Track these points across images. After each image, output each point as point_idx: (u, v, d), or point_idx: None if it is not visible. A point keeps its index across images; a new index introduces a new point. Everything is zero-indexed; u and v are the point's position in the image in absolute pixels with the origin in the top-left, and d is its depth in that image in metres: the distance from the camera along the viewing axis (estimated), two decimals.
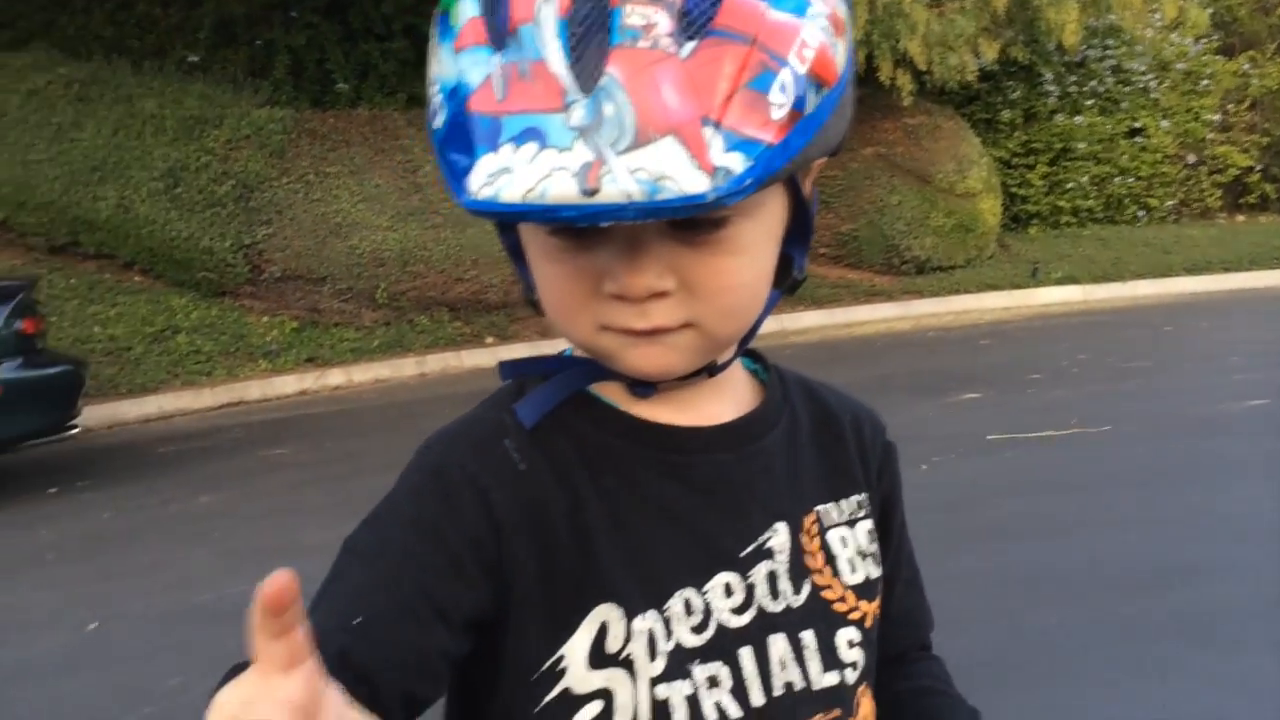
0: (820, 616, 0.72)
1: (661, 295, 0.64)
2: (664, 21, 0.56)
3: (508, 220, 0.63)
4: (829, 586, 0.73)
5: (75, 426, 5.87)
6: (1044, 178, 14.63)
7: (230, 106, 9.98)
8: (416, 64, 11.69)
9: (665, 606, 0.68)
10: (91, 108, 9.70)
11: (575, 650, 0.66)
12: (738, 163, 0.56)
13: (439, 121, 0.61)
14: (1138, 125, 14.79)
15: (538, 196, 0.56)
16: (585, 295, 0.65)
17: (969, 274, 12.67)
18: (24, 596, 3.82)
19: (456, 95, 0.59)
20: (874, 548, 0.77)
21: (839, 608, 0.73)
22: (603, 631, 0.67)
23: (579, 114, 0.56)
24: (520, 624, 0.67)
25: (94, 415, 7.34)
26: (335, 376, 9.16)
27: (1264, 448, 4.53)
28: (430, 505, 0.67)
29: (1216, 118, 15.14)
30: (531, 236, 0.67)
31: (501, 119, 0.57)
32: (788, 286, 0.73)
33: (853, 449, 0.79)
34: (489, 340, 10.10)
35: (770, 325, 0.82)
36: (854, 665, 0.73)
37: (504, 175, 0.57)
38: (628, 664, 0.67)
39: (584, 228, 0.61)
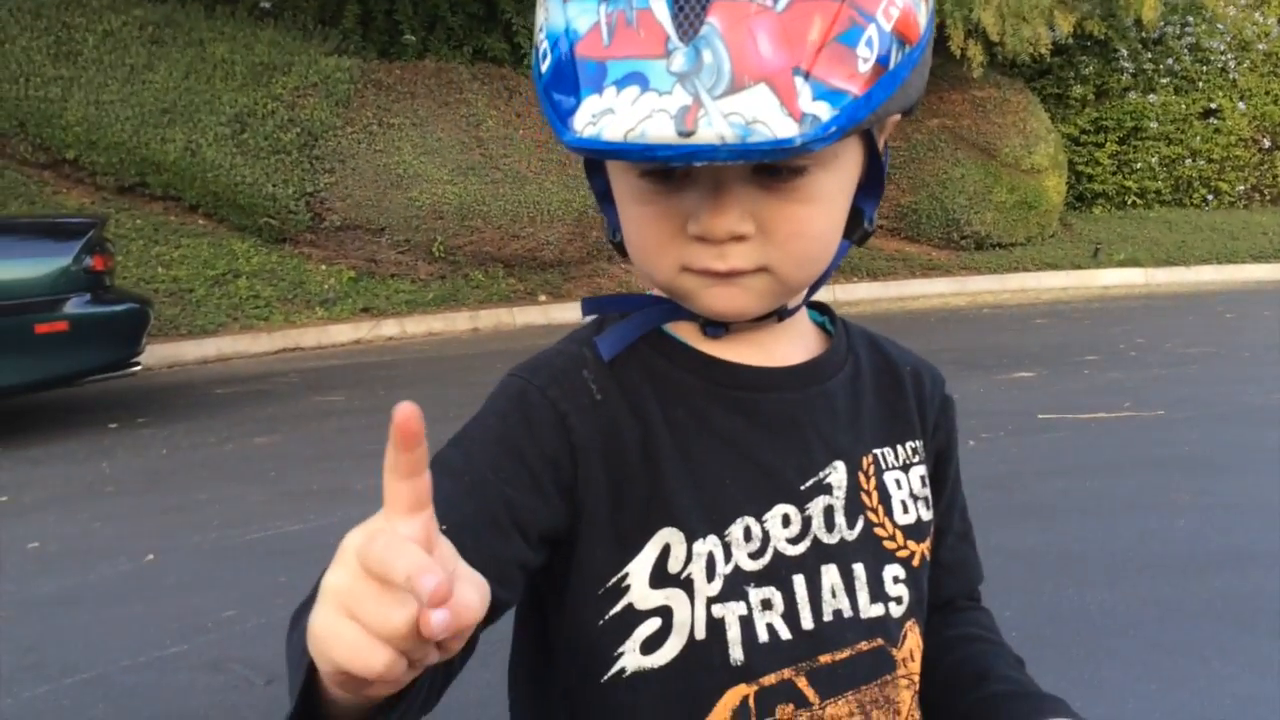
0: (870, 552, 0.77)
1: (740, 239, 0.68)
2: None
3: (608, 158, 0.65)
4: (880, 524, 0.78)
5: (138, 364, 6.01)
6: (1112, 157, 14.32)
7: (299, 54, 10.07)
8: (484, 19, 11.74)
9: (726, 532, 0.72)
10: (164, 50, 9.84)
11: (639, 569, 0.71)
12: (824, 111, 0.60)
13: (545, 66, 0.65)
14: (1213, 106, 14.41)
15: (637, 136, 0.60)
16: (669, 236, 0.69)
17: (1029, 252, 12.49)
18: (84, 526, 3.95)
19: (564, 41, 0.64)
20: (925, 492, 0.82)
21: (888, 545, 0.78)
22: (665, 553, 0.71)
23: (679, 60, 0.60)
24: (590, 542, 0.71)
25: (154, 355, 7.53)
26: (389, 327, 9.28)
27: None
28: (513, 426, 0.71)
29: None
30: (621, 179, 0.71)
31: (607, 63, 0.61)
32: (858, 237, 0.77)
33: (911, 398, 0.83)
34: (542, 298, 10.16)
35: (823, 295, 0.85)
36: (899, 600, 0.77)
37: (607, 116, 0.61)
38: (687, 584, 0.71)
39: (672, 170, 0.67)
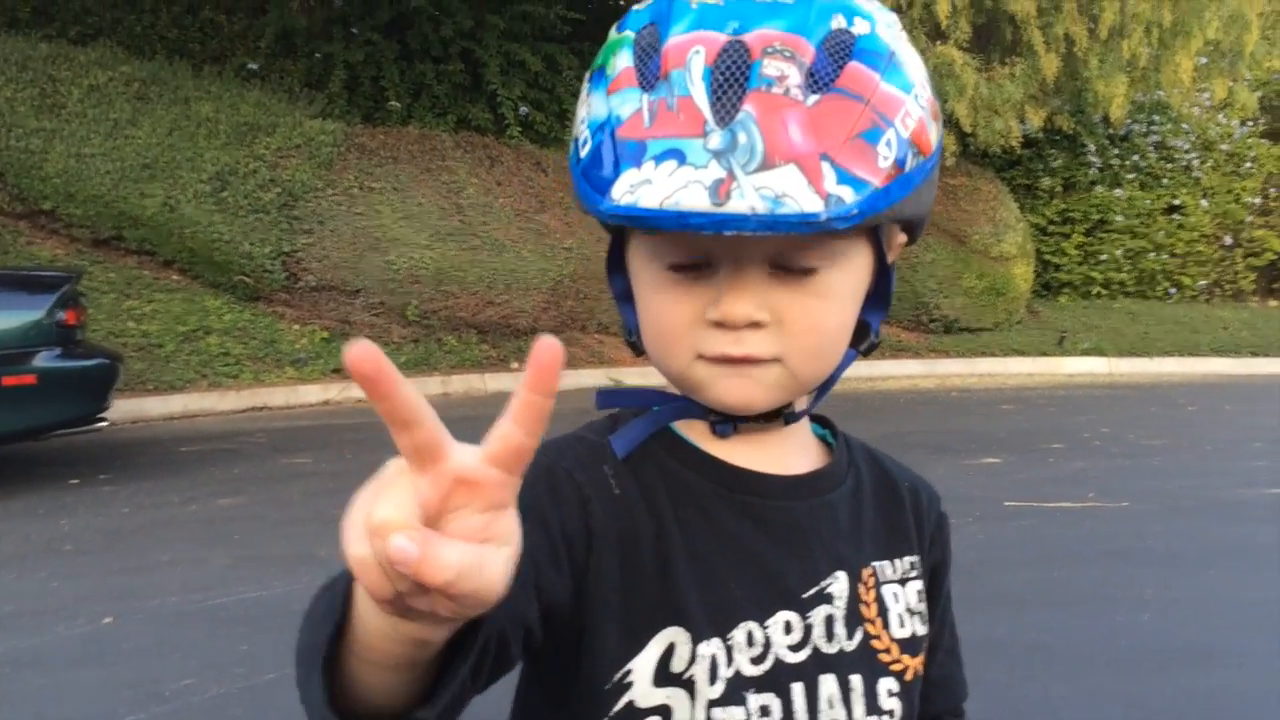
0: (867, 664, 0.78)
1: (757, 326, 0.72)
2: (795, 76, 0.67)
3: (643, 225, 0.68)
4: (878, 637, 0.79)
5: (104, 419, 5.95)
6: (1079, 247, 14.63)
7: (284, 115, 10.17)
8: (469, 89, 11.91)
9: (729, 635, 0.73)
10: (149, 107, 9.90)
11: (642, 666, 0.72)
12: (848, 194, 0.66)
13: (585, 151, 0.71)
14: (1177, 202, 14.79)
15: (672, 204, 0.65)
16: (688, 323, 0.73)
17: (996, 337, 12.67)
18: (41, 585, 3.87)
19: (606, 127, 0.70)
20: (922, 607, 0.83)
21: (884, 658, 0.79)
22: (669, 652, 0.72)
23: (716, 140, 0.65)
24: (599, 635, 0.72)
25: (120, 409, 7.44)
26: (359, 390, 9.22)
27: None
28: (540, 496, 0.72)
29: (1257, 201, 15.11)
30: (646, 269, 0.75)
31: (647, 141, 0.67)
32: (865, 348, 0.81)
33: (909, 514, 0.86)
34: (515, 365, 10.17)
35: None
36: (892, 714, 0.78)
37: (644, 186, 0.66)
38: (689, 685, 0.72)
39: (697, 262, 0.72)
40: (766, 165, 0.64)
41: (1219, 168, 15.01)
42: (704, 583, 0.74)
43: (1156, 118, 14.51)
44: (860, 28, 0.70)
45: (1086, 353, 12.57)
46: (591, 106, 0.72)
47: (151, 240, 9.58)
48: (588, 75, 0.75)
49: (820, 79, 0.67)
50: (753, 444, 0.79)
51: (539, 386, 0.46)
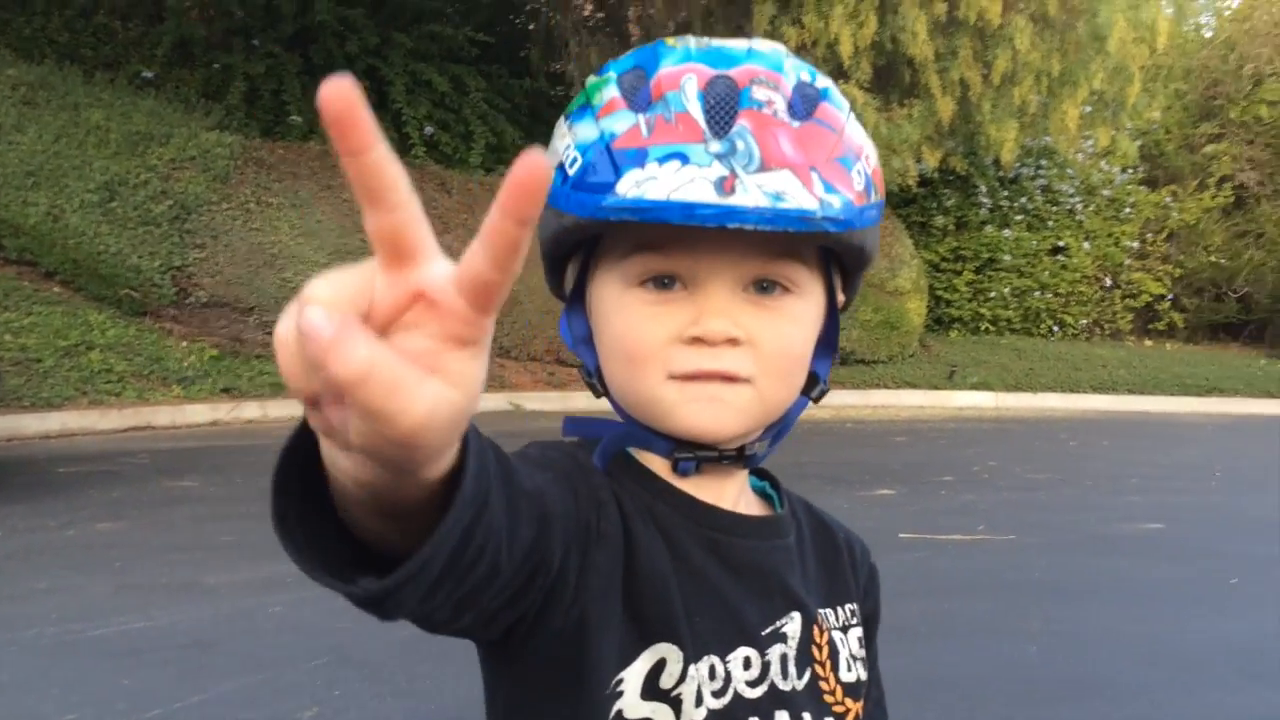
0: (814, 704, 0.80)
1: (733, 343, 0.75)
2: (780, 102, 0.73)
3: (650, 216, 0.70)
4: (825, 679, 0.81)
5: None
6: (969, 284, 15.11)
7: (179, 126, 9.91)
8: (373, 106, 11.59)
9: (697, 664, 0.75)
10: (36, 112, 9.54)
11: (632, 677, 0.73)
12: (835, 201, 0.72)
13: (575, 168, 0.74)
14: (1061, 244, 15.40)
15: (680, 196, 0.69)
16: (662, 342, 0.75)
17: (890, 369, 12.98)
18: None
19: (599, 143, 0.73)
20: (862, 653, 0.86)
21: (828, 699, 0.81)
22: (659, 667, 0.73)
23: (716, 145, 0.71)
24: (598, 637, 0.72)
25: None
26: (250, 409, 9.00)
27: (1157, 572, 4.70)
28: (574, 469, 0.75)
29: (1135, 245, 15.84)
30: (614, 294, 0.77)
31: (648, 148, 0.71)
32: (816, 394, 0.83)
33: (846, 563, 0.89)
34: None
35: None
36: None
37: (650, 181, 0.70)
38: (676, 703, 0.73)
39: (672, 281, 0.75)
40: (765, 168, 0.70)
41: (1100, 212, 15.69)
42: (688, 611, 0.76)
43: (1044, 162, 15.11)
44: (821, 83, 0.78)
45: (975, 387, 12.96)
46: (578, 133, 0.75)
47: (33, 250, 9.20)
48: (564, 117, 0.79)
49: (798, 111, 0.74)
50: (711, 486, 0.81)
51: (513, 210, 0.40)
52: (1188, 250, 15.95)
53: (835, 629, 0.84)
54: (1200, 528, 5.71)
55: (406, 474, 0.45)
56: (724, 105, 0.72)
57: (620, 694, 0.72)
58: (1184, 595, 4.36)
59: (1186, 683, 3.31)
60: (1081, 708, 3.10)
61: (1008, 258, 15.06)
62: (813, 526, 0.89)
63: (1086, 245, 15.46)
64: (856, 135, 0.77)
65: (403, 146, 11.18)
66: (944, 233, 15.12)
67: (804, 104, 0.74)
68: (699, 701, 0.73)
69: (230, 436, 8.17)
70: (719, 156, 0.70)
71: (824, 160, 0.72)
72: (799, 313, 0.77)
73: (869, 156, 0.78)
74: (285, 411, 9.06)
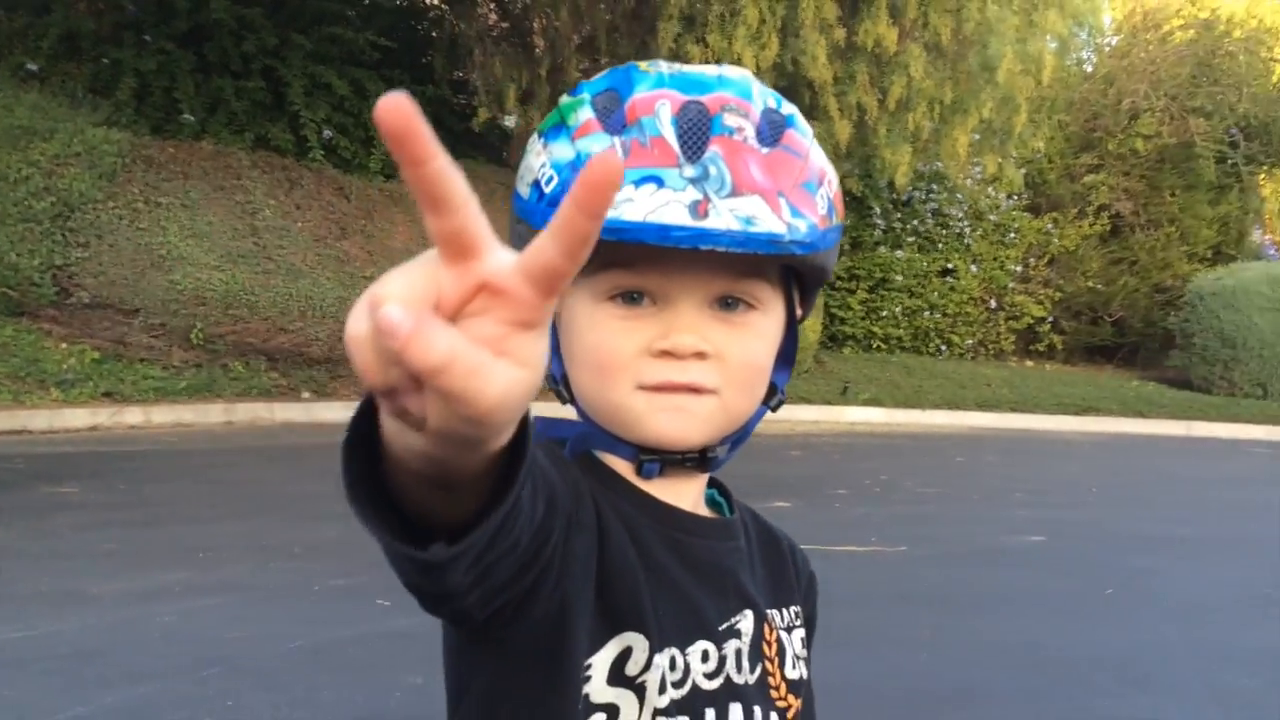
0: (763, 698, 0.83)
1: (701, 357, 0.78)
2: (749, 129, 0.77)
3: (627, 237, 0.73)
4: (773, 674, 0.85)
5: None
6: (862, 303, 15.48)
7: (64, 121, 9.52)
8: (270, 107, 11.47)
9: (657, 655, 0.77)
10: None
11: (600, 663, 0.75)
12: (801, 225, 0.77)
13: (551, 186, 0.77)
14: (950, 266, 15.89)
15: (656, 218, 0.73)
16: (632, 354, 0.78)
17: (786, 385, 13.19)
18: None
19: (576, 162, 0.77)
20: (805, 653, 0.90)
21: (774, 694, 0.85)
22: (625, 654, 0.76)
23: (690, 170, 0.74)
24: (575, 621, 0.74)
25: None
26: (133, 415, 8.69)
27: (1040, 583, 4.88)
28: (557, 456, 0.77)
29: (1018, 269, 16.42)
30: (585, 309, 0.80)
31: (624, 170, 0.69)
32: (774, 405, 0.88)
33: (790, 568, 0.93)
34: (305, 395, 9.82)
35: None
36: None
37: (627, 203, 0.73)
38: (640, 689, 0.76)
39: (640, 297, 0.78)
40: (736, 193, 0.74)
41: (987, 236, 16.23)
42: (651, 603, 0.78)
43: (935, 187, 15.58)
44: (786, 110, 0.82)
45: (867, 403, 13.26)
46: (554, 152, 0.79)
47: None
48: (537, 134, 0.82)
49: (766, 138, 0.78)
50: (672, 488, 0.84)
51: (586, 205, 0.42)
52: (1067, 275, 16.60)
53: (781, 629, 0.87)
54: (1079, 541, 5.95)
55: (477, 448, 0.48)
56: (697, 131, 0.75)
57: (588, 678, 0.75)
58: (1065, 605, 4.54)
59: (1067, 689, 3.46)
60: (970, 714, 3.21)
61: (899, 278, 15.48)
62: (759, 532, 0.93)
63: (973, 268, 15.98)
64: (819, 160, 0.81)
65: (300, 149, 10.96)
66: (840, 252, 15.42)
67: (771, 131, 0.78)
68: (662, 689, 0.76)
69: (111, 442, 7.88)
70: (693, 181, 0.73)
71: (791, 186, 0.77)
72: (763, 328, 0.81)
73: (830, 180, 0.82)
74: (169, 417, 8.77)
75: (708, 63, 10.45)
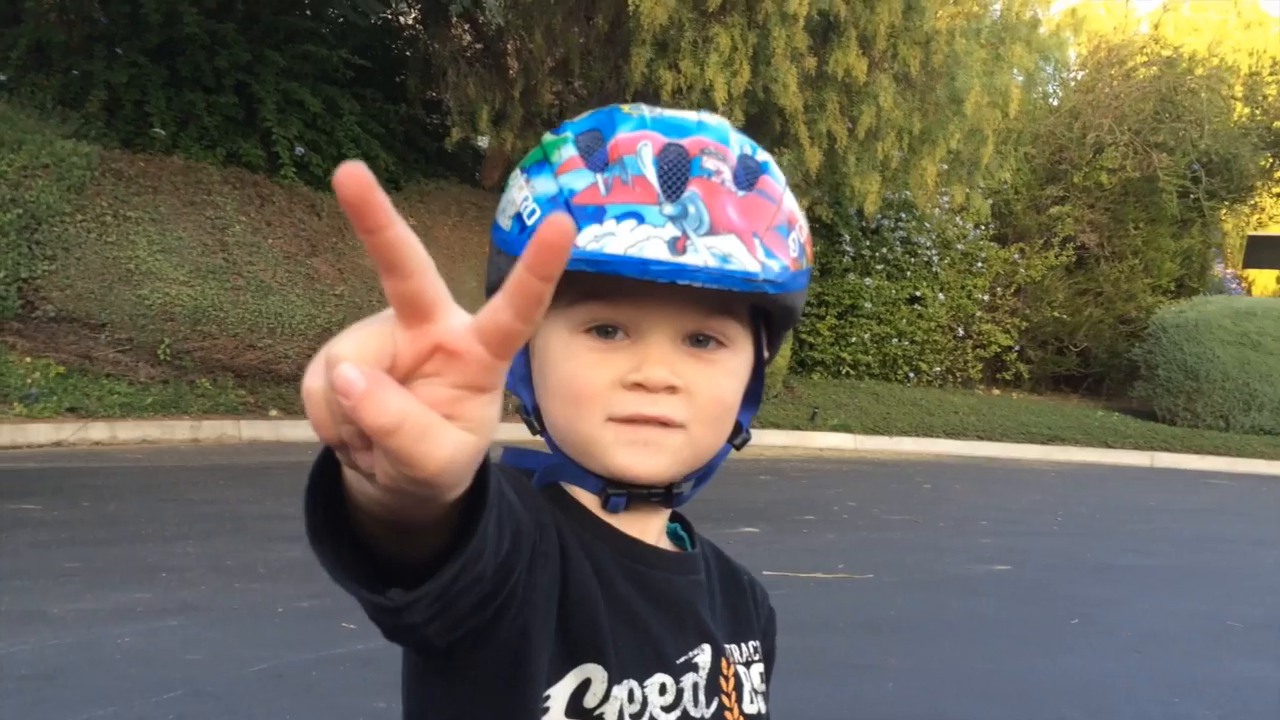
0: None
1: (672, 391, 0.80)
2: (727, 173, 0.80)
3: (607, 270, 0.75)
4: (730, 709, 0.85)
5: None
6: (831, 329, 15.57)
7: (32, 133, 9.40)
8: (242, 123, 11.41)
9: (615, 688, 0.78)
10: None
11: (559, 694, 0.76)
12: (775, 265, 0.79)
13: (533, 220, 0.79)
14: (918, 294, 16.02)
15: (636, 252, 0.75)
16: (605, 386, 0.80)
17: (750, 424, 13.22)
18: None
19: (559, 199, 0.79)
20: (764, 688, 0.91)
21: None
22: (584, 687, 0.77)
23: (670, 208, 0.77)
24: (535, 651, 0.73)
25: None
26: (98, 431, 8.58)
27: (1005, 612, 4.92)
28: (522, 486, 0.77)
29: (986, 298, 16.58)
30: (559, 340, 0.81)
31: (605, 206, 0.77)
32: (739, 442, 0.89)
33: (750, 603, 0.94)
34: (273, 413, 9.73)
35: None
36: None
37: (609, 237, 0.75)
38: None
39: (614, 331, 0.80)
40: (714, 232, 0.76)
41: (955, 265, 16.40)
42: (612, 635, 0.79)
43: (904, 215, 15.73)
44: (761, 157, 0.84)
45: (835, 429, 13.32)
46: (536, 187, 0.81)
47: None
48: (520, 169, 0.84)
49: (742, 181, 0.81)
50: (636, 521, 0.85)
51: (538, 268, 0.43)
52: (1033, 305, 16.79)
53: (739, 663, 0.88)
54: (1044, 570, 6.00)
55: (429, 503, 0.49)
56: (676, 171, 0.78)
57: (546, 710, 0.75)
58: (1030, 634, 4.58)
59: (1031, 718, 3.48)
60: None
61: (868, 305, 15.59)
62: (720, 568, 0.94)
63: (941, 296, 16.12)
64: (790, 206, 0.84)
65: (272, 166, 10.89)
66: (809, 278, 15.55)
67: (747, 175, 0.81)
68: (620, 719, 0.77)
69: (76, 458, 7.78)
70: (672, 218, 0.76)
71: (764, 228, 0.79)
72: (732, 366, 0.83)
73: (801, 226, 0.85)
74: (135, 434, 8.67)
75: (679, 89, 10.49)
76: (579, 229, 0.75)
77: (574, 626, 0.76)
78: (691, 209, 0.76)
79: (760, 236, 0.78)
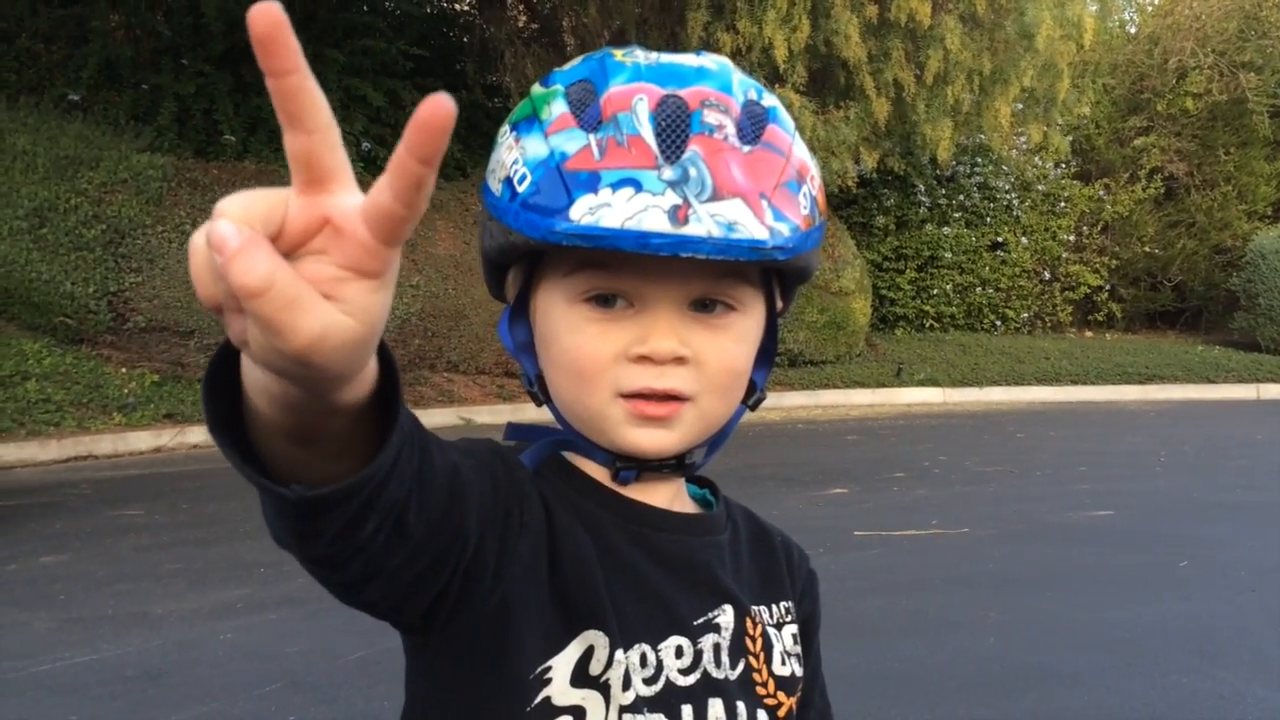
0: (747, 693, 0.82)
1: (680, 362, 0.76)
2: (730, 126, 0.73)
3: (604, 244, 0.70)
4: (759, 670, 0.82)
5: None
6: (912, 283, 15.28)
7: (108, 149, 9.68)
8: None
9: (627, 653, 0.77)
10: None
11: (561, 664, 0.74)
12: (784, 229, 0.73)
13: (525, 185, 0.73)
14: (1000, 240, 15.63)
15: (634, 224, 0.69)
16: (610, 359, 0.76)
17: (838, 369, 13.07)
18: None
19: (549, 162, 0.73)
20: (797, 649, 0.87)
21: (760, 691, 0.82)
22: (588, 654, 0.75)
23: (669, 172, 0.71)
24: (522, 625, 0.73)
25: None
26: (195, 435, 8.83)
27: (1110, 559, 4.76)
28: (496, 462, 0.76)
29: (1071, 238, 16.11)
30: (561, 311, 0.78)
31: (600, 172, 0.71)
32: (753, 402, 0.85)
33: (783, 564, 0.91)
34: None
35: None
36: None
37: (604, 208, 0.70)
38: (604, 688, 0.75)
39: (615, 299, 0.76)
40: (717, 197, 0.70)
41: (1036, 207, 15.95)
42: (614, 602, 0.77)
43: (979, 160, 15.33)
44: (768, 101, 0.78)
45: (922, 383, 13.09)
46: (526, 148, 0.75)
47: None
48: (509, 126, 0.78)
49: (747, 133, 0.74)
50: (649, 490, 0.83)
51: (417, 148, 0.43)
52: (1122, 242, 16.27)
53: (770, 625, 0.85)
54: (1148, 513, 5.80)
55: (316, 394, 0.49)
56: (675, 129, 0.72)
57: (549, 680, 0.74)
58: (1136, 580, 4.42)
59: (1143, 667, 3.35)
60: (1042, 696, 3.13)
61: (948, 255, 15.26)
62: (751, 531, 0.91)
63: (1024, 240, 15.71)
64: (801, 155, 0.78)
65: None
66: (885, 232, 15.28)
67: (753, 125, 0.75)
68: (626, 685, 0.75)
69: (175, 463, 8.01)
70: (671, 184, 0.70)
71: (772, 187, 0.73)
72: (743, 330, 0.80)
73: (814, 177, 0.79)
74: None
75: (738, 49, 10.34)
76: (573, 198, 0.70)
77: (570, 595, 0.75)
78: (693, 171, 0.70)
79: (768, 197, 0.73)
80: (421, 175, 0.43)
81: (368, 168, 11.12)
